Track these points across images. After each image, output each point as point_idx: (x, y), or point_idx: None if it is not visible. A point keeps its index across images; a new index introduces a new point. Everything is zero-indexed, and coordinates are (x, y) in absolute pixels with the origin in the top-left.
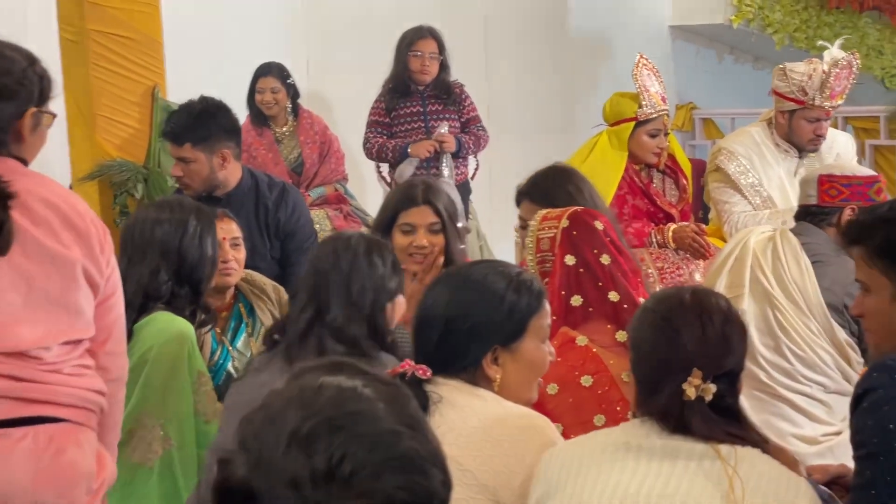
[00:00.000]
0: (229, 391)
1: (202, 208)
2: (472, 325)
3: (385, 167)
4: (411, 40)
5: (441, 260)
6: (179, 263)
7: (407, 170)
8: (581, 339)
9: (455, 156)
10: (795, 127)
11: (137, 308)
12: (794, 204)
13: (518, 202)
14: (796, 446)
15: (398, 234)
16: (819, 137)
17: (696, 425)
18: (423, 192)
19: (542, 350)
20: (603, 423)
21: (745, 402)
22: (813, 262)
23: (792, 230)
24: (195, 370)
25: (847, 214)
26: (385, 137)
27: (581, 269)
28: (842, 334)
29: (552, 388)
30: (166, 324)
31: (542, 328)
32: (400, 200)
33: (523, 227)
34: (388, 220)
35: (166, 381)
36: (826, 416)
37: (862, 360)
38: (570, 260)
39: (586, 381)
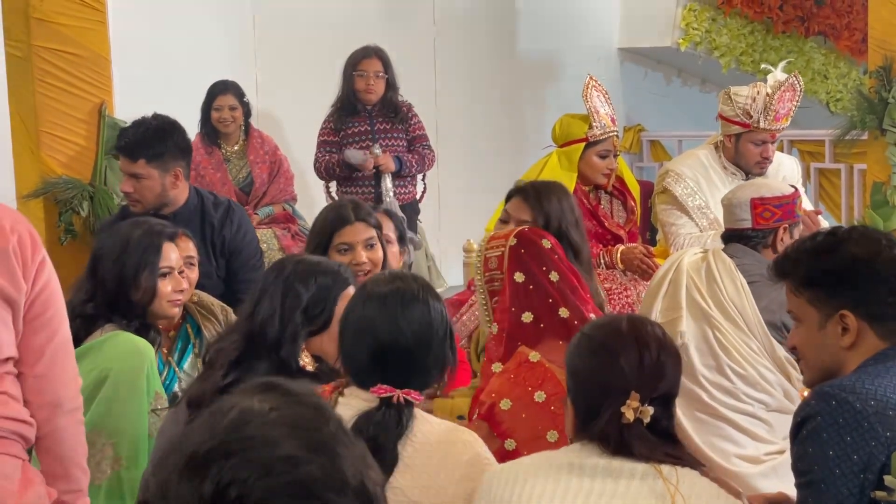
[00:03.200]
0: (164, 418)
1: (151, 233)
2: (437, 348)
3: (333, 187)
4: (356, 60)
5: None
6: (102, 285)
7: (356, 156)
8: (534, 356)
9: (397, 174)
10: (742, 150)
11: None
12: None
13: (509, 197)
14: (740, 467)
15: (335, 255)
16: (765, 160)
17: (637, 447)
18: (354, 209)
19: None
20: (556, 440)
21: (689, 424)
22: (749, 283)
23: (724, 251)
24: (152, 390)
25: (781, 234)
26: (333, 155)
27: (531, 286)
28: (782, 352)
29: (505, 404)
30: (126, 342)
31: None
32: (333, 221)
33: (505, 221)
34: (324, 241)
35: (124, 399)
36: (767, 434)
37: (802, 377)
38: (519, 277)
39: (539, 396)
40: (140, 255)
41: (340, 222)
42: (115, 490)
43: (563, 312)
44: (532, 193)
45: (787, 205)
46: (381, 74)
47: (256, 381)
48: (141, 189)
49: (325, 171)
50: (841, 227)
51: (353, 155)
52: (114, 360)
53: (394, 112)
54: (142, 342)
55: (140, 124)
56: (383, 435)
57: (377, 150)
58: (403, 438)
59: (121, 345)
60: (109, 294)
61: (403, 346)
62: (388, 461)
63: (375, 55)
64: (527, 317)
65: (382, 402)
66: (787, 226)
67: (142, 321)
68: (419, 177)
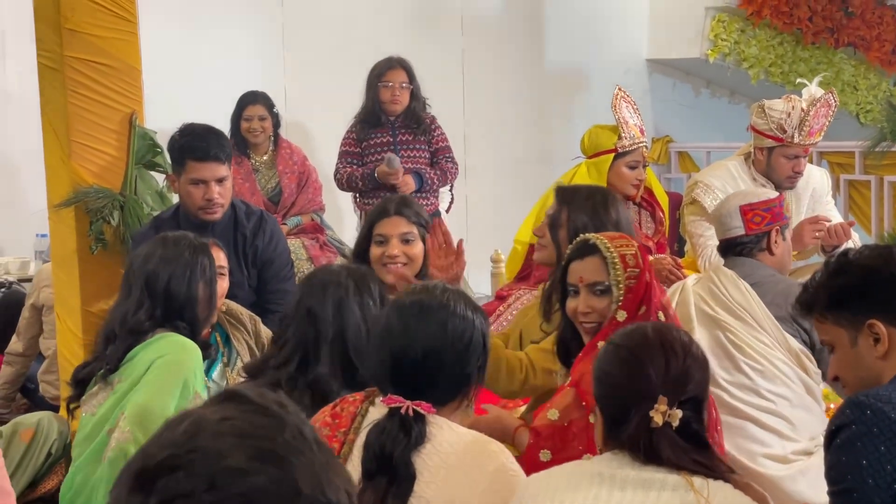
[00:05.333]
0: None
1: (202, 248)
2: (453, 362)
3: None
4: (381, 71)
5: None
6: (167, 301)
7: (395, 159)
8: None
9: (418, 190)
10: (774, 164)
11: (125, 346)
12: None
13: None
14: (769, 468)
15: (373, 246)
16: (797, 174)
17: (665, 452)
18: (397, 204)
19: None
20: None
21: None
22: (751, 284)
23: (724, 265)
24: (192, 389)
25: (774, 236)
26: (355, 167)
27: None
28: (795, 343)
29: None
30: (177, 339)
31: None
32: (374, 213)
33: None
34: (365, 234)
35: (160, 381)
36: (791, 432)
37: (819, 371)
38: (647, 277)
39: None
40: (205, 272)
41: (380, 214)
42: (121, 461)
43: (661, 316)
44: (560, 193)
45: (774, 208)
46: (405, 85)
47: (223, 390)
48: (225, 192)
49: (346, 182)
50: (850, 249)
51: (391, 159)
52: (166, 352)
53: (416, 123)
54: (191, 343)
55: (203, 129)
56: (389, 445)
57: (396, 162)
58: (427, 448)
59: (171, 342)
60: (177, 311)
61: (412, 357)
62: (401, 474)
63: (400, 66)
64: (661, 315)
65: (391, 412)
66: (777, 228)
67: (198, 341)
68: (447, 187)
